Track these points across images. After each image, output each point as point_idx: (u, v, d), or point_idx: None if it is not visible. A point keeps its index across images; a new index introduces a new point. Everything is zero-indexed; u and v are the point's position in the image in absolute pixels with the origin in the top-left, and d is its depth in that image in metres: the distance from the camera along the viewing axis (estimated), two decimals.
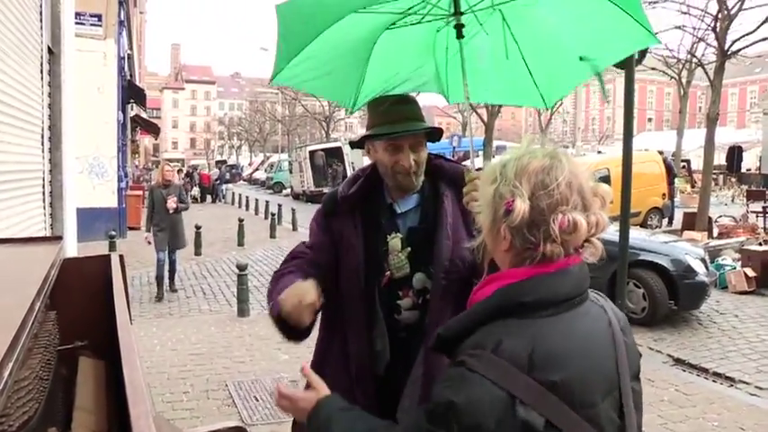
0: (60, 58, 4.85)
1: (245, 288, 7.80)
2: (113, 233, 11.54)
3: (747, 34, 11.63)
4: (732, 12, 11.88)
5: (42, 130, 4.19)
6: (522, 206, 1.11)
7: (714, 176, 27.66)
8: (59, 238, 1.95)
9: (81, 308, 1.84)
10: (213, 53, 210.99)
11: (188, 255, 12.61)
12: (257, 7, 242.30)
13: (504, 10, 2.09)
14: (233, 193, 30.39)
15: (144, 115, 41.28)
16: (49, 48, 4.56)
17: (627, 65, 5.52)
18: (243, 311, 7.69)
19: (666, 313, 7.22)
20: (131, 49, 23.20)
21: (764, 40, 11.63)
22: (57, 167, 4.80)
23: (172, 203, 8.85)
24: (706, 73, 13.06)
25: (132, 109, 24.98)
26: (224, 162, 56.29)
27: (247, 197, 26.33)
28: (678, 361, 6.11)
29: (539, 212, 1.12)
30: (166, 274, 9.13)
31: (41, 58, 4.10)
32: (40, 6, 4.02)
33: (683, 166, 25.33)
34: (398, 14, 2.09)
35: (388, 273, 1.97)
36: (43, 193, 4.25)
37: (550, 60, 2.20)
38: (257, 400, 4.82)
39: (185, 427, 4.31)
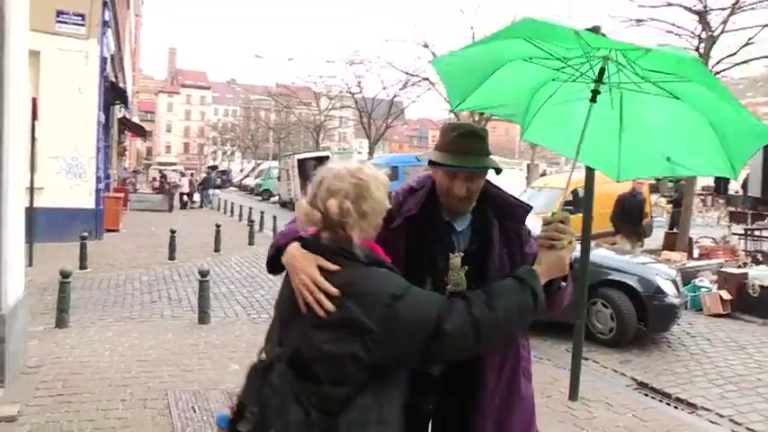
0: (4, 51, 4.65)
1: (206, 295, 7.60)
2: (85, 234, 11.30)
3: (729, 56, 11.56)
4: (715, 33, 11.82)
5: None
6: None
7: (702, 198, 27.65)
8: None
9: None
10: (209, 59, 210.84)
11: (162, 259, 12.42)
12: (254, 15, 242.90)
13: (625, 95, 2.35)
14: (219, 199, 30.19)
15: (136, 119, 41.10)
16: None
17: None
18: (203, 318, 7.49)
19: (634, 335, 7.05)
20: (120, 50, 23.02)
21: (745, 62, 11.56)
22: None
23: None
24: None
25: (121, 111, 24.79)
26: (215, 167, 56.05)
27: (233, 203, 26.14)
28: (641, 384, 5.94)
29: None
30: None
31: None
32: None
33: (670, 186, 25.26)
34: (556, 69, 2.33)
35: (449, 287, 2.15)
36: None
37: (641, 147, 2.45)
38: (194, 412, 4.61)
39: None
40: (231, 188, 50.56)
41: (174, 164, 66.23)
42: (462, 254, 2.18)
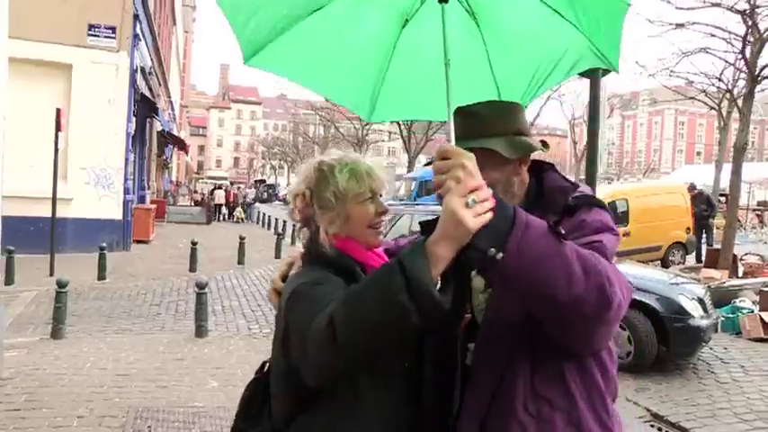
0: None
1: (204, 307, 7.34)
2: (104, 245, 11.27)
3: None
4: (765, 34, 11.01)
5: None
6: None
7: (758, 213, 26.20)
8: None
9: None
10: (262, 74, 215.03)
11: (182, 271, 12.33)
12: None
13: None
14: (258, 212, 30.30)
15: (183, 134, 41.83)
16: None
17: (592, 83, 5.10)
18: (200, 332, 7.23)
19: (655, 360, 6.40)
20: (161, 64, 23.42)
21: None
22: None
23: None
24: (735, 101, 12.14)
25: (160, 124, 25.15)
26: (263, 182, 56.61)
27: (269, 216, 26.14)
28: (656, 417, 5.32)
29: None
30: None
31: None
32: None
33: (722, 201, 24.03)
34: None
35: (469, 315, 1.66)
36: None
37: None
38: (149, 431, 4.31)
39: None
40: (276, 202, 51.01)
41: (225, 178, 67.35)
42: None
